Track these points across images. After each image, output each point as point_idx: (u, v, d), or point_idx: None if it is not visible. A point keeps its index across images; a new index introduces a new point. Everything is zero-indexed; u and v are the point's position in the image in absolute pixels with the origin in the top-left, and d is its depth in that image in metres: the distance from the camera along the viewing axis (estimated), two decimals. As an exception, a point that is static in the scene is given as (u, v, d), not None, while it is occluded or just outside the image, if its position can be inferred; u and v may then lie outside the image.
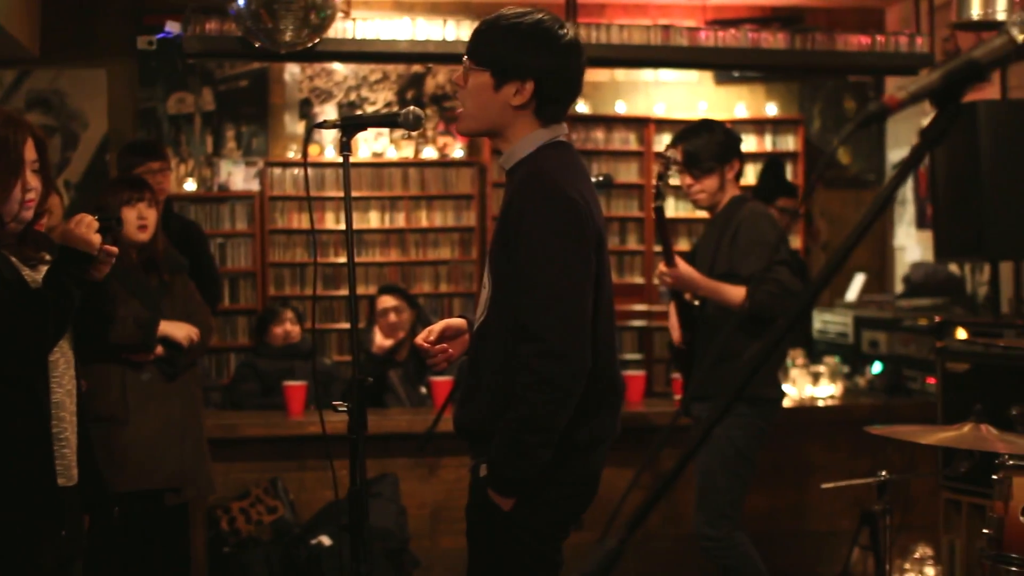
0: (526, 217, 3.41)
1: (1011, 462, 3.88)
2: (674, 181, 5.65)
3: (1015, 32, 1.80)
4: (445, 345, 3.74)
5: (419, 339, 3.76)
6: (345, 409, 3.62)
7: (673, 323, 5.73)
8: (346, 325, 9.17)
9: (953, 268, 8.01)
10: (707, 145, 5.53)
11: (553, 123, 3.58)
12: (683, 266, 5.38)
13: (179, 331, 5.21)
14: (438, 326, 3.75)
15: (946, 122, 1.79)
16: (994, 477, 3.91)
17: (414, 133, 9.82)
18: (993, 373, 5.85)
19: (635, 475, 2.88)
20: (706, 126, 5.68)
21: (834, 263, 1.75)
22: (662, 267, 5.46)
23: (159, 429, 5.15)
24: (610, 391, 3.61)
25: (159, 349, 5.16)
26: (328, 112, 9.78)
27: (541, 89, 3.51)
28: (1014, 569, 3.89)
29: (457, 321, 3.79)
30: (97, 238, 3.84)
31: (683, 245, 9.23)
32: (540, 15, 3.55)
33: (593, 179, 4.14)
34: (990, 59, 1.79)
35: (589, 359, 3.43)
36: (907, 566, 6.25)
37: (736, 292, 5.31)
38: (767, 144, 10.07)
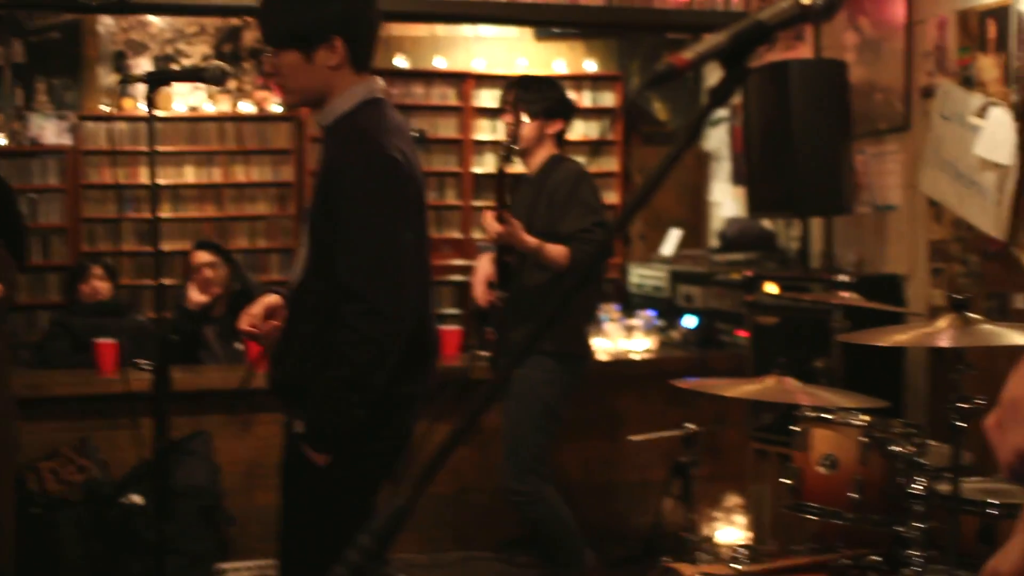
0: (347, 177, 3.40)
1: (810, 414, 3.98)
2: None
3: (801, -6, 1.82)
4: (274, 323, 3.72)
5: (244, 325, 3.73)
6: (149, 368, 3.59)
7: (479, 279, 5.74)
8: (162, 281, 9.03)
9: (767, 223, 8.15)
10: (542, 94, 5.61)
11: (367, 69, 3.57)
12: (515, 223, 5.37)
13: (-29, 288, 5.06)
14: (258, 308, 3.73)
15: (733, 82, 1.82)
16: (794, 428, 4.01)
17: (231, 87, 9.70)
18: (800, 326, 5.99)
19: (423, 433, 2.90)
20: (549, 81, 5.86)
21: (621, 221, 1.77)
22: (492, 219, 5.43)
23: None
24: (425, 348, 3.64)
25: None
26: (143, 65, 9.59)
27: (352, 38, 3.49)
28: (813, 518, 4.00)
29: (271, 299, 3.76)
30: None
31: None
32: None
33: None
34: (776, 21, 1.81)
35: (411, 318, 3.44)
36: (717, 515, 6.37)
37: (559, 251, 5.34)
38: (586, 100, 10.12)
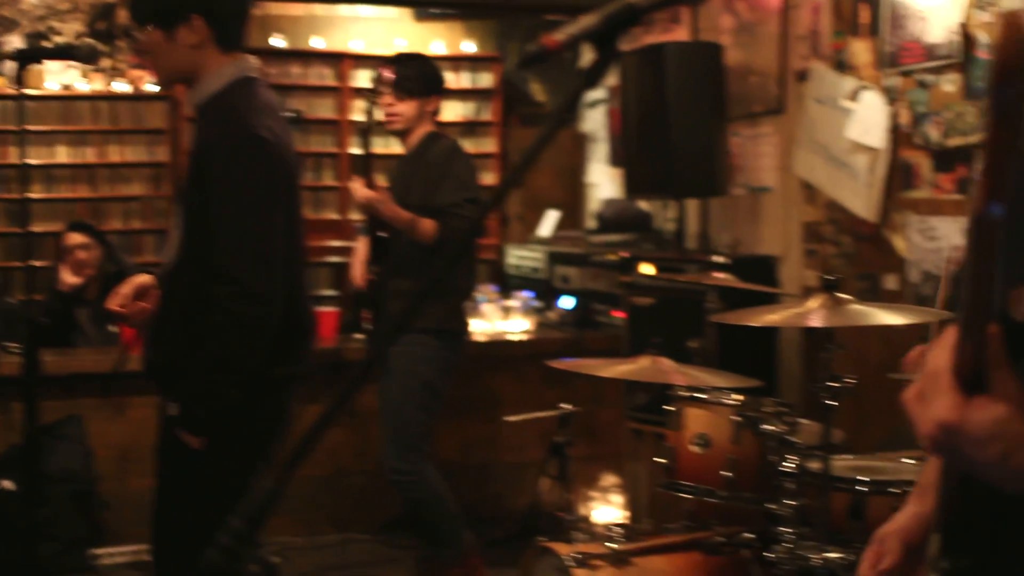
0: (217, 157, 3.39)
1: (683, 393, 4.02)
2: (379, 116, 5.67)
3: (671, -23, 1.84)
4: (142, 304, 3.68)
5: (113, 306, 3.69)
6: (19, 351, 3.54)
7: (358, 259, 5.74)
8: (34, 263, 8.88)
9: (644, 205, 8.21)
10: (416, 72, 5.62)
11: (235, 48, 3.55)
12: (384, 193, 5.39)
13: None
14: (128, 288, 3.70)
15: (604, 64, 1.83)
16: (667, 408, 4.05)
17: (105, 65, 9.55)
18: (676, 307, 6.04)
19: (298, 415, 2.93)
20: (419, 56, 5.88)
21: (495, 198, 1.77)
22: (361, 186, 5.43)
23: None
24: (300, 329, 3.63)
25: None
26: (14, 42, 9.39)
27: (212, 17, 3.48)
28: (687, 496, 4.05)
29: (142, 279, 3.74)
30: None
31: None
32: None
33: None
34: (648, 3, 1.82)
35: (282, 299, 3.43)
36: (594, 495, 6.42)
37: (430, 226, 5.34)
38: (464, 81, 10.11)
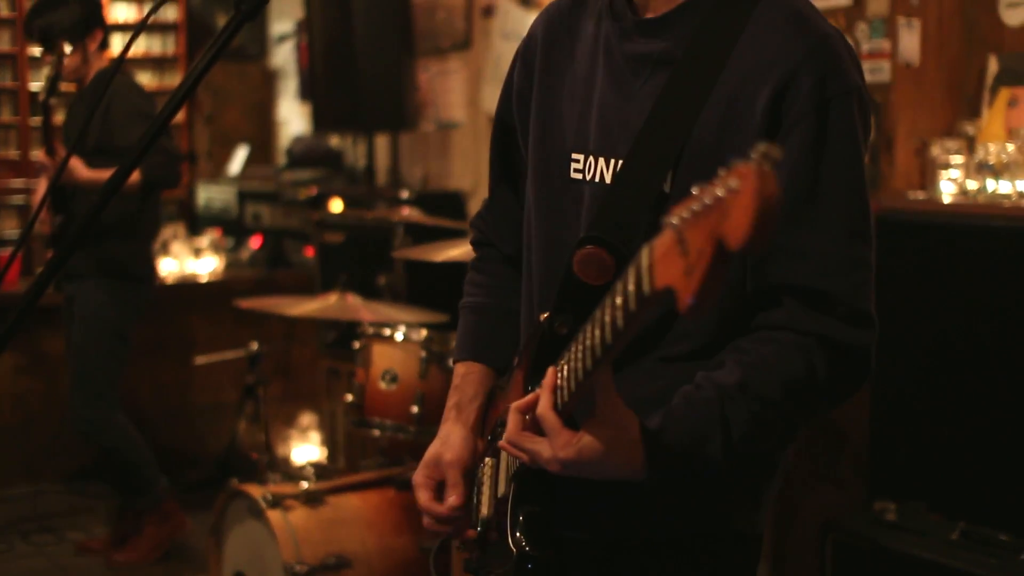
0: None
1: (371, 330, 4.02)
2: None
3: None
4: None
5: None
6: None
7: (39, 201, 5.54)
8: None
9: (335, 141, 8.16)
10: (64, 20, 5.29)
11: None
12: (73, 161, 5.16)
13: None
14: None
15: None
16: (356, 345, 4.04)
17: None
18: (365, 243, 6.03)
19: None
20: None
21: (165, 115, 1.73)
22: (44, 155, 5.23)
23: None
24: None
25: None
26: None
27: None
28: (376, 432, 4.06)
29: None
30: None
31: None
32: None
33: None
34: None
35: None
36: (293, 434, 6.39)
37: (133, 177, 5.16)
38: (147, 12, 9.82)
